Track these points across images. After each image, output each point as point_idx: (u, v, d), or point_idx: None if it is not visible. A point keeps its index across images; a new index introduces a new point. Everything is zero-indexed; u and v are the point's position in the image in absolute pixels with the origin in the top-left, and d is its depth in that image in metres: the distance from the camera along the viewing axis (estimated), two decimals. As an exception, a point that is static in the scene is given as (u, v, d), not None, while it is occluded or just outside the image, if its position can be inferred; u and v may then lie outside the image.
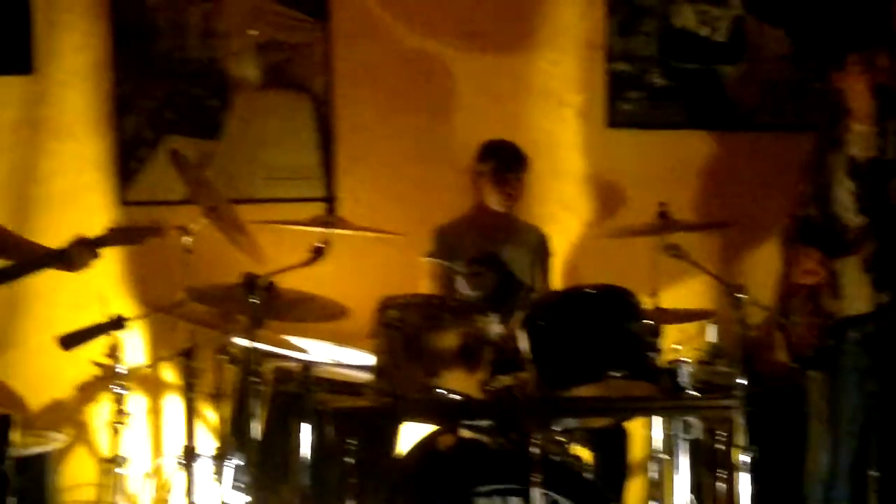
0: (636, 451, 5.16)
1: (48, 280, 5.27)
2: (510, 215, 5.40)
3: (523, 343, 4.16)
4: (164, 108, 5.70)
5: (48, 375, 5.58)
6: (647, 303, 4.56)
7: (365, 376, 4.47)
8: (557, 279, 5.62)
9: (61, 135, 5.65)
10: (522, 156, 5.32)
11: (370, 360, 4.38)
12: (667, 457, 4.72)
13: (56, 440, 5.35)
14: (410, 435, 4.62)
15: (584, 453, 4.66)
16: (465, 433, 4.38)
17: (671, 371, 4.35)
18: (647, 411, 4.53)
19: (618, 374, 4.02)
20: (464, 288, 5.17)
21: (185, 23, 5.70)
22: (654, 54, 5.96)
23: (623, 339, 4.07)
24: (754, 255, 5.83)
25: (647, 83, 5.95)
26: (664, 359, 4.36)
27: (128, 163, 5.67)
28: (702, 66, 5.99)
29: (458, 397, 4.16)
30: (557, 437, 4.39)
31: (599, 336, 4.08)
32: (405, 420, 4.51)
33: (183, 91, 5.72)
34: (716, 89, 6.00)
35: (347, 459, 3.97)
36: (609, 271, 5.01)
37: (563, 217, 5.88)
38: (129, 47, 5.67)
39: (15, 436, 3.38)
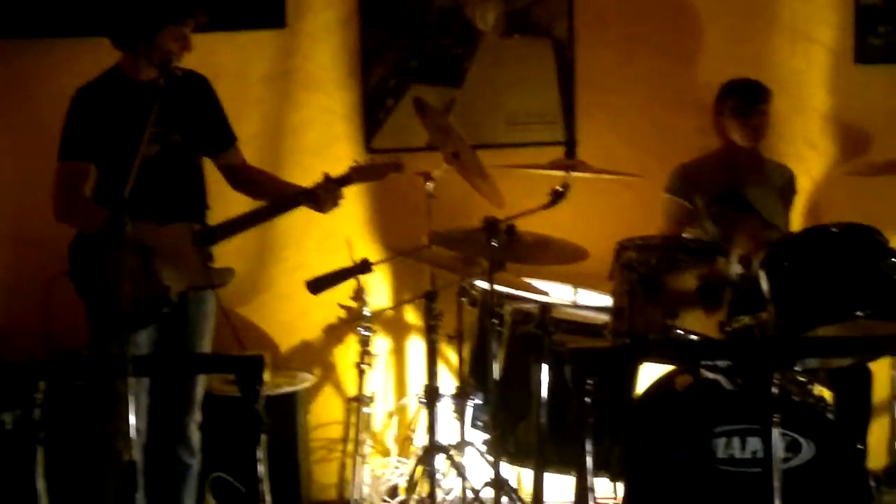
0: (880, 391, 5.00)
1: (297, 226, 5.49)
2: (757, 153, 5.27)
3: (764, 283, 4.10)
4: (409, 57, 5.77)
5: (297, 318, 5.77)
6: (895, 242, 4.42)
7: (603, 317, 4.50)
8: (799, 218, 5.50)
9: (311, 87, 5.79)
10: (764, 88, 5.20)
11: (608, 301, 4.40)
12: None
13: (305, 380, 5.56)
14: (648, 375, 4.62)
15: (826, 394, 4.57)
16: (704, 373, 4.34)
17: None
18: (893, 350, 4.41)
19: (863, 314, 3.92)
20: (705, 227, 5.11)
21: (429, -27, 5.77)
22: (906, -15, 5.70)
23: (869, 279, 3.97)
24: None
25: (898, 17, 5.70)
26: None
27: (374, 112, 5.78)
28: (957, -4, 5.70)
29: (696, 338, 4.15)
30: (799, 378, 4.32)
31: (844, 275, 3.99)
32: (643, 360, 4.51)
33: (427, 41, 5.77)
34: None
35: (585, 399, 3.98)
36: (856, 211, 4.84)
37: (808, 156, 5.71)
38: (375, 0, 5.77)
39: (266, 376, 3.51)
